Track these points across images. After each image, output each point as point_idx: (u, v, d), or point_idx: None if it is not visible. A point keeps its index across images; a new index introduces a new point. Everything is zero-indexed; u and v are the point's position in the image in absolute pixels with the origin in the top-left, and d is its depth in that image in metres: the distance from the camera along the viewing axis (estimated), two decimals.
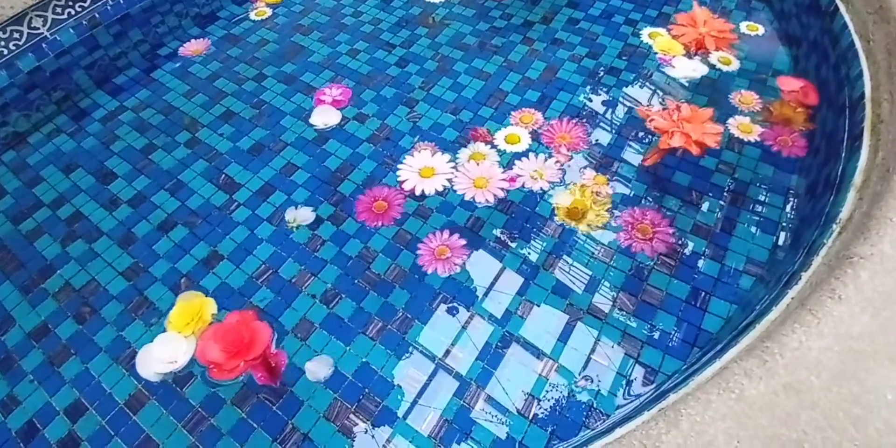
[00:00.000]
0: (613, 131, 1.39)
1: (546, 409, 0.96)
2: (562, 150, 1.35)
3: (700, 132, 1.34)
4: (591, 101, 1.47)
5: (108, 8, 1.62)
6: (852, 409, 0.71)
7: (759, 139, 1.34)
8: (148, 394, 1.01)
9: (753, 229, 1.17)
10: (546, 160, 1.33)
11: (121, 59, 1.65)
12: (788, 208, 1.20)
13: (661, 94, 1.48)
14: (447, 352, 1.03)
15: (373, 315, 1.09)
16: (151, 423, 0.98)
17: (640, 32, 1.64)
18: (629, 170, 1.31)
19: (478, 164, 1.33)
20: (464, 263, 1.16)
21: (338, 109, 1.49)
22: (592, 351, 1.02)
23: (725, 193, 1.24)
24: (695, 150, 1.32)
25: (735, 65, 1.53)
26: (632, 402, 0.95)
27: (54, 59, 1.55)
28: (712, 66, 1.53)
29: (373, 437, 0.94)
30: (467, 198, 1.27)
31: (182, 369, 1.04)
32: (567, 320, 1.06)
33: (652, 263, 1.13)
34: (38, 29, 1.53)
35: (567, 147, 1.36)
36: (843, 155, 1.15)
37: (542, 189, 1.28)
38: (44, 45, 1.54)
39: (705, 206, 1.22)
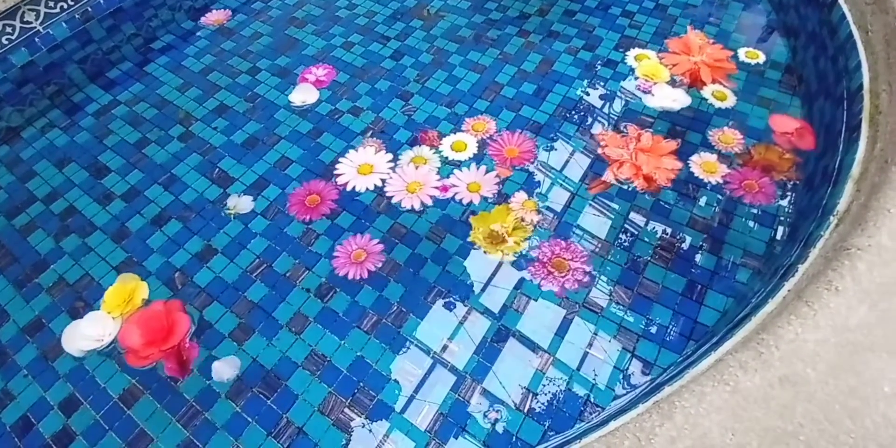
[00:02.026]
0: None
1: (542, 403, 0.95)
2: (506, 165, 1.29)
3: (653, 166, 1.24)
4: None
5: (101, 2, 1.61)
6: (849, 402, 0.71)
7: (719, 181, 1.23)
8: (142, 388, 1.00)
9: (751, 223, 1.16)
10: (487, 173, 1.28)
11: (114, 53, 1.64)
12: (786, 202, 1.19)
13: (627, 118, 1.38)
14: (444, 346, 1.03)
15: (367, 309, 1.08)
16: (146, 418, 0.97)
17: (627, 53, 1.54)
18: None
19: (416, 168, 1.29)
20: (376, 270, 1.14)
21: (318, 89, 1.50)
22: (589, 345, 1.02)
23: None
24: (640, 185, 1.22)
25: (730, 101, 1.39)
26: (627, 395, 0.94)
27: (47, 54, 1.54)
28: (703, 100, 1.40)
29: (370, 431, 0.94)
30: (394, 200, 1.24)
31: (104, 349, 1.05)
32: (564, 315, 1.05)
33: (648, 257, 1.12)
34: (31, 23, 1.51)
35: (513, 162, 1.29)
36: (841, 146, 1.14)
37: (471, 202, 1.23)
38: (36, 40, 1.53)
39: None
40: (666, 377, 0.87)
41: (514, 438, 0.92)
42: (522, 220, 1.19)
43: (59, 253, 1.20)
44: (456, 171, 1.29)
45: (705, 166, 1.26)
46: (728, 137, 1.31)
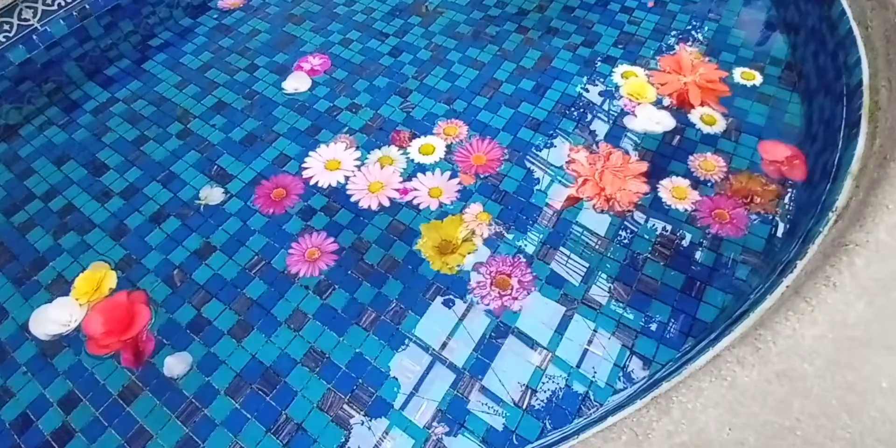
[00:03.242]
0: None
1: (541, 400, 0.95)
2: (471, 172, 1.26)
3: (617, 187, 1.19)
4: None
5: None
6: (846, 397, 0.71)
7: (688, 208, 1.18)
8: (141, 385, 1.01)
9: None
10: (450, 179, 1.26)
11: (112, 51, 1.63)
12: (785, 199, 1.19)
13: (603, 136, 1.33)
14: (443, 343, 1.03)
15: (366, 306, 1.08)
16: (145, 415, 0.97)
17: (614, 70, 1.47)
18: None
19: (381, 168, 1.28)
20: (329, 270, 1.13)
21: (311, 78, 1.51)
22: (589, 341, 1.02)
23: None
24: (600, 205, 1.18)
25: (720, 125, 1.31)
26: (625, 391, 0.94)
27: (45, 51, 1.54)
28: (691, 125, 1.32)
29: (369, 428, 0.94)
30: (353, 199, 1.24)
31: (69, 334, 1.07)
32: (564, 312, 1.06)
33: (647, 254, 1.12)
34: (29, 20, 1.51)
35: (479, 169, 1.27)
36: (841, 143, 1.14)
37: (428, 208, 1.21)
38: (34, 37, 1.52)
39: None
40: (664, 373, 0.87)
41: (512, 435, 0.92)
42: (473, 232, 1.16)
43: (58, 250, 1.20)
44: (419, 174, 1.28)
45: (675, 192, 1.20)
46: (709, 164, 1.24)
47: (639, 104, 1.38)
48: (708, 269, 1.09)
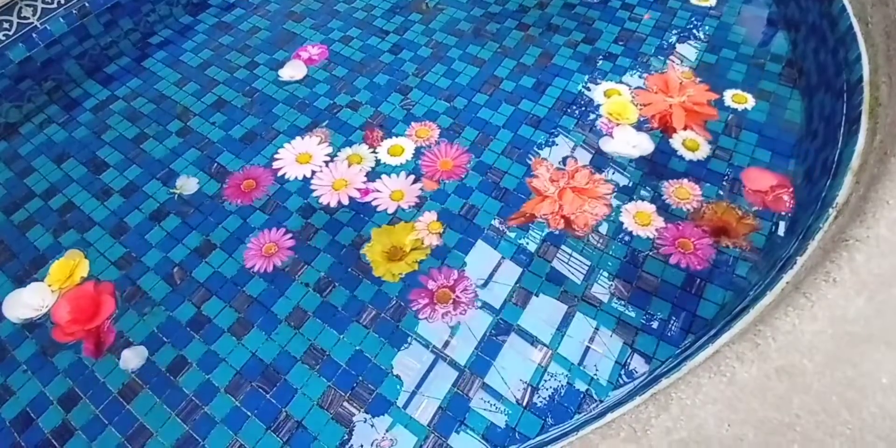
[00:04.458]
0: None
1: (542, 397, 0.95)
2: (434, 177, 1.24)
3: (576, 207, 1.13)
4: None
5: None
6: (846, 393, 0.70)
7: (650, 235, 1.12)
8: (141, 383, 1.01)
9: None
10: (413, 183, 1.24)
11: (112, 49, 1.63)
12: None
13: (573, 154, 1.27)
14: (444, 341, 1.03)
15: (366, 303, 1.08)
16: (145, 412, 0.98)
17: (596, 87, 1.41)
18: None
19: (349, 167, 1.27)
20: (283, 266, 1.14)
21: (307, 66, 1.53)
22: (590, 339, 1.02)
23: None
24: (555, 224, 1.12)
25: (703, 152, 1.24)
26: (625, 387, 0.94)
27: (45, 49, 1.54)
28: (672, 150, 1.24)
29: (372, 426, 0.94)
30: (315, 194, 1.24)
31: (38, 319, 1.09)
32: (565, 309, 1.05)
33: (647, 251, 1.12)
34: (28, 19, 1.51)
35: (443, 175, 1.24)
36: (841, 139, 1.14)
37: (385, 211, 1.20)
38: (34, 35, 1.52)
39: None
40: (664, 369, 0.87)
41: (513, 432, 0.92)
42: (422, 241, 1.14)
43: (58, 248, 1.20)
44: (384, 175, 1.26)
45: (639, 217, 1.14)
46: (684, 192, 1.17)
47: (617, 125, 1.31)
48: (708, 267, 1.09)
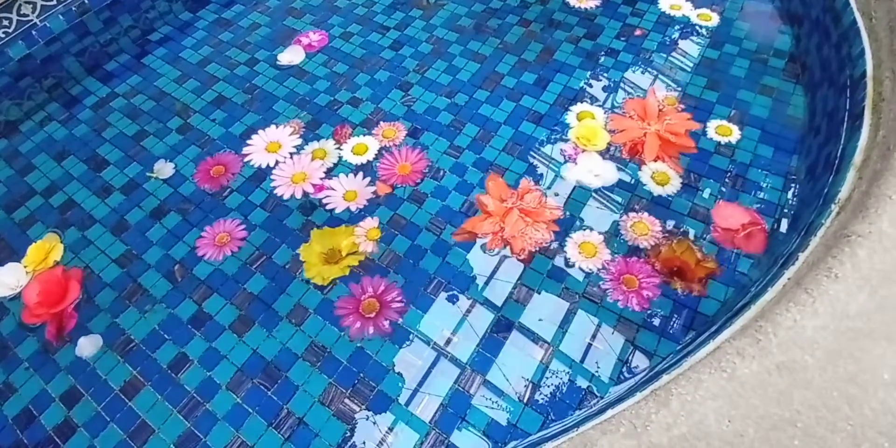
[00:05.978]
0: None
1: (543, 394, 0.95)
2: (389, 182, 1.22)
3: (517, 230, 1.08)
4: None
5: None
6: (847, 389, 0.70)
7: (594, 267, 1.06)
8: (143, 380, 1.01)
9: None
10: (368, 185, 1.23)
11: (111, 46, 1.63)
12: (789, 191, 1.18)
13: (528, 175, 1.23)
14: (447, 339, 1.03)
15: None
16: (147, 409, 0.98)
17: (571, 108, 1.35)
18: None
19: (311, 161, 1.26)
20: (233, 255, 1.15)
21: (306, 52, 1.56)
22: (592, 336, 1.01)
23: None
24: (493, 244, 1.09)
25: (672, 186, 1.16)
26: (625, 383, 0.94)
27: (44, 47, 1.54)
28: (638, 182, 1.16)
29: (373, 423, 0.94)
30: (272, 184, 1.24)
31: (12, 298, 1.12)
32: (567, 307, 1.05)
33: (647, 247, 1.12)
34: (28, 16, 1.51)
35: (399, 179, 1.23)
36: (844, 134, 1.13)
37: (335, 211, 1.19)
38: (34, 33, 1.52)
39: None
40: (665, 365, 0.86)
41: (514, 428, 0.92)
42: (358, 248, 1.13)
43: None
44: (342, 174, 1.26)
45: (583, 247, 1.08)
46: (643, 227, 1.10)
47: (583, 151, 1.23)
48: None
